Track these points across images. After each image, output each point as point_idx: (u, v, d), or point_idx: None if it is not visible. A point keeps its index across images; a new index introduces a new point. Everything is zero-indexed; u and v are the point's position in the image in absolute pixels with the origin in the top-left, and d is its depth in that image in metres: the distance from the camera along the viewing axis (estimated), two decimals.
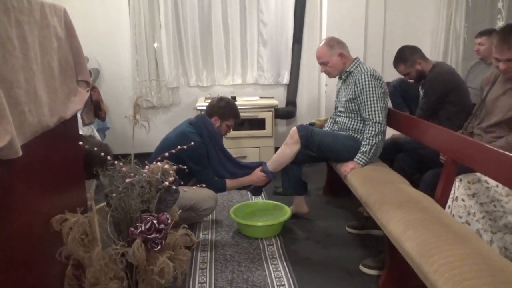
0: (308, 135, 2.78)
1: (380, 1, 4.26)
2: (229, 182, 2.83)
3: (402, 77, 3.31)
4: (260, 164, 2.94)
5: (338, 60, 2.84)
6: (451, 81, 2.83)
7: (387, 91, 2.83)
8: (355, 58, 2.87)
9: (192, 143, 2.20)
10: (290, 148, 2.82)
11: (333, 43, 2.86)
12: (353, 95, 2.77)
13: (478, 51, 3.43)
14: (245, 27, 4.49)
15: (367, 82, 2.69)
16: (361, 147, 2.70)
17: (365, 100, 2.70)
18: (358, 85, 2.72)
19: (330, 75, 2.94)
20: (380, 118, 2.67)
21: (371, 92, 2.68)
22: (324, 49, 2.86)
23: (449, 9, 4.33)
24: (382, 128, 2.68)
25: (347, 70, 2.85)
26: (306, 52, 4.58)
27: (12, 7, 1.35)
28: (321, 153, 2.84)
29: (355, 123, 2.83)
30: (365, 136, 2.71)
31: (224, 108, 2.85)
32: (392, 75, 4.28)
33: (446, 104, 2.82)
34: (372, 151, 2.66)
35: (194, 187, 2.09)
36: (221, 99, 2.93)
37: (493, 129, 2.28)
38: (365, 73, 2.72)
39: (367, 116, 2.70)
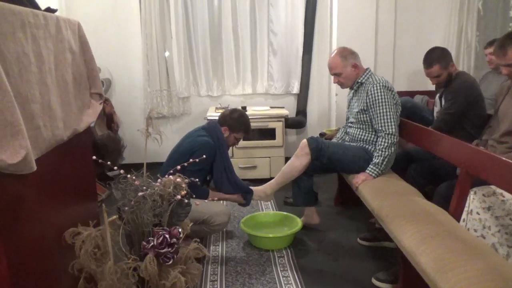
0: (318, 147, 2.75)
1: (390, 10, 4.23)
2: (211, 194, 2.74)
3: (408, 97, 3.25)
4: (249, 190, 2.88)
5: (351, 71, 2.80)
6: (473, 95, 2.74)
7: (399, 102, 2.79)
8: (366, 69, 2.84)
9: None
10: (300, 160, 2.81)
11: (346, 54, 2.81)
12: (364, 106, 2.74)
13: (490, 61, 3.39)
14: (255, 36, 4.50)
15: (379, 93, 2.67)
16: (374, 159, 2.68)
17: (378, 111, 2.67)
18: (370, 96, 2.70)
19: (342, 86, 2.91)
20: (393, 130, 2.65)
21: (383, 103, 2.66)
22: (337, 60, 2.81)
23: (460, 18, 4.26)
24: (394, 140, 2.65)
25: (359, 81, 2.82)
26: (316, 61, 4.57)
27: (29, 23, 1.37)
28: (332, 165, 2.81)
29: (367, 134, 2.80)
30: (377, 148, 2.68)
31: (235, 120, 2.83)
32: (403, 85, 4.28)
33: (465, 118, 2.74)
34: (384, 162, 2.64)
35: (206, 201, 2.08)
36: (234, 110, 2.90)
37: (506, 139, 2.25)
38: (377, 84, 2.69)
39: (380, 128, 2.67)
